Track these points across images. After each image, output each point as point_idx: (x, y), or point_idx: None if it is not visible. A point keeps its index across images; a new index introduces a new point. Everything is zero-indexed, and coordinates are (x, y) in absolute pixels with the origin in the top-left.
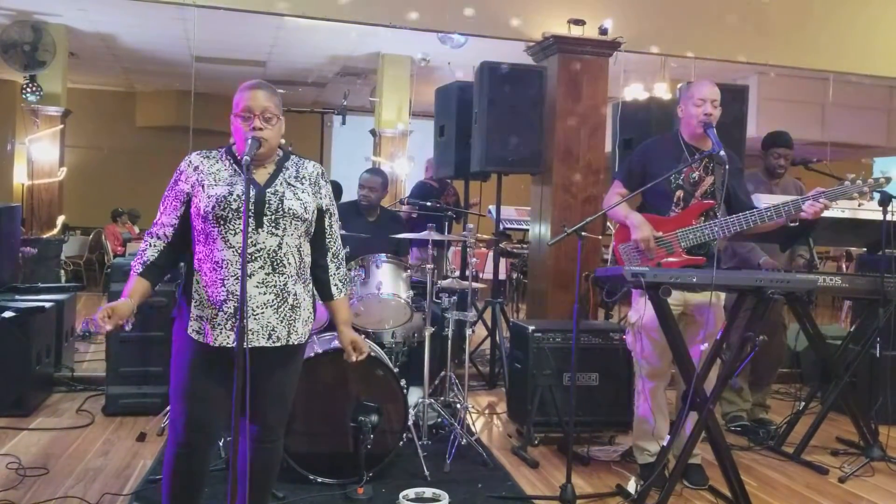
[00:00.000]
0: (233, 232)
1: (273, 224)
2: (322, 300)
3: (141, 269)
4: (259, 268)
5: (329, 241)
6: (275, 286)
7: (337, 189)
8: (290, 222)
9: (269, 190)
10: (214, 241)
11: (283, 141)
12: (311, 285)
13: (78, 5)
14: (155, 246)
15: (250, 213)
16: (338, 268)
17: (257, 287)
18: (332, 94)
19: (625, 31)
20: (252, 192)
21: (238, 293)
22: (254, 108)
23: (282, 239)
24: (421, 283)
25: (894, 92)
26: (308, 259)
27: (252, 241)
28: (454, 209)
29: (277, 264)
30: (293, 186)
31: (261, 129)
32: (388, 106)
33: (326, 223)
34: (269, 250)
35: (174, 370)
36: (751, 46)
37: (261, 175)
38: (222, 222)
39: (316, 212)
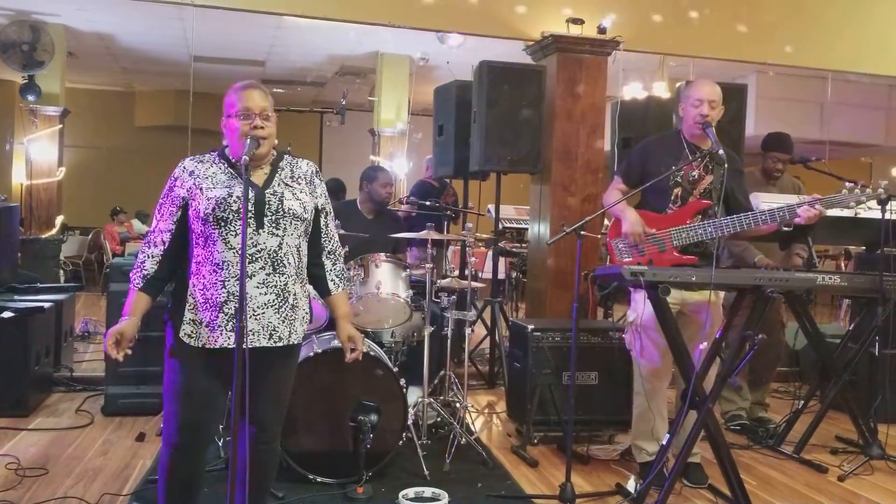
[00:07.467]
0: (233, 233)
1: (273, 224)
2: (320, 296)
3: (141, 284)
4: (260, 268)
5: (325, 240)
6: (275, 286)
7: (340, 187)
8: (291, 222)
9: (268, 191)
10: (214, 244)
11: (276, 141)
12: (307, 285)
13: (76, 5)
14: (153, 257)
15: (250, 214)
16: (334, 264)
17: (258, 287)
18: (331, 94)
19: (623, 30)
20: (251, 194)
21: (238, 294)
22: (253, 108)
23: (282, 239)
24: (420, 283)
25: (893, 90)
26: (306, 259)
27: (253, 242)
28: (453, 209)
29: (278, 264)
30: (291, 186)
31: (262, 127)
32: (387, 105)
33: (322, 222)
34: (269, 251)
35: (167, 372)
36: (749, 45)
37: (257, 176)
38: (222, 224)
39: (313, 211)
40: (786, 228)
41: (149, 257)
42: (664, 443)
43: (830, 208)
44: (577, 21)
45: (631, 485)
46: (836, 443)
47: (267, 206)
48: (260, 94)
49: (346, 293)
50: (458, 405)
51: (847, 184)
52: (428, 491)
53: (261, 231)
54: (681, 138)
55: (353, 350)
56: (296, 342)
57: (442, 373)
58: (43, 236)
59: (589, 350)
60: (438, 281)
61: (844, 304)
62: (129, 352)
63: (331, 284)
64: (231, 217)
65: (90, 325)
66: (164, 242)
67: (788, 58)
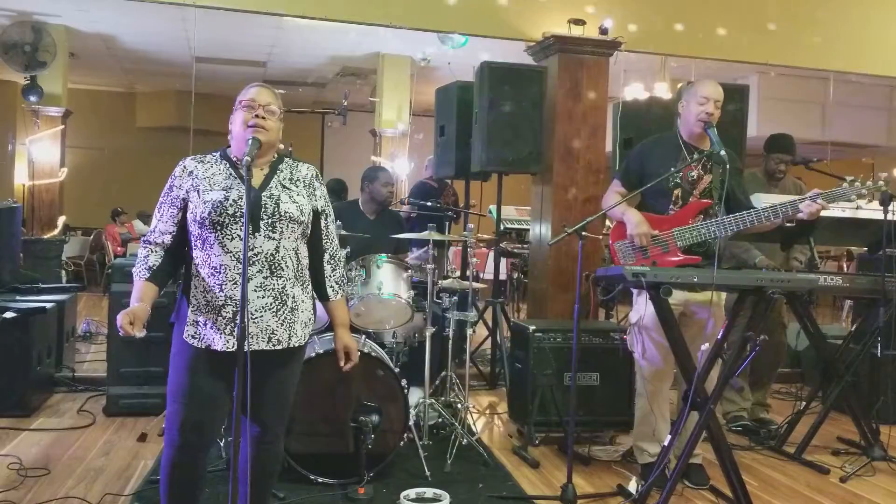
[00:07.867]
0: (230, 237)
1: (270, 228)
2: (319, 301)
3: (147, 275)
4: (257, 271)
5: (326, 243)
6: (273, 289)
7: (342, 187)
8: (287, 225)
9: (264, 194)
10: (212, 247)
11: (281, 146)
12: (309, 287)
13: (78, 6)
14: (155, 252)
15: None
16: (334, 269)
17: (255, 291)
18: (333, 95)
19: (625, 30)
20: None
21: (236, 297)
22: (258, 100)
23: (279, 242)
24: (422, 283)
25: (894, 91)
26: (305, 261)
27: (249, 246)
28: (454, 209)
29: (275, 267)
30: (288, 189)
31: (263, 118)
32: (389, 106)
33: (322, 224)
34: (266, 254)
35: (171, 372)
36: (751, 46)
37: (255, 177)
38: (219, 228)
39: (311, 214)
40: (788, 224)
41: (151, 252)
42: (666, 444)
43: (832, 202)
44: (579, 22)
45: (632, 486)
46: (837, 444)
47: (263, 210)
48: (269, 92)
49: (345, 299)
50: (459, 406)
51: (848, 177)
52: (429, 491)
53: (257, 234)
54: (678, 139)
55: (347, 358)
56: (297, 345)
57: (443, 373)
58: (45, 237)
59: (590, 351)
60: (440, 282)
61: (846, 305)
62: (145, 332)
63: (329, 291)
64: (227, 221)
65: (92, 325)
66: (164, 244)
67: (790, 58)
